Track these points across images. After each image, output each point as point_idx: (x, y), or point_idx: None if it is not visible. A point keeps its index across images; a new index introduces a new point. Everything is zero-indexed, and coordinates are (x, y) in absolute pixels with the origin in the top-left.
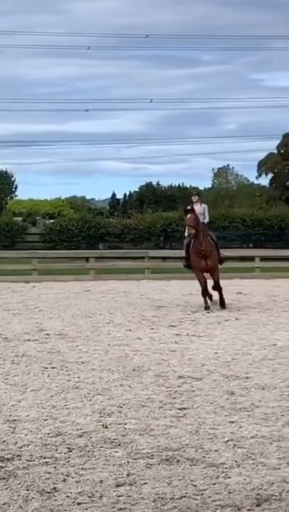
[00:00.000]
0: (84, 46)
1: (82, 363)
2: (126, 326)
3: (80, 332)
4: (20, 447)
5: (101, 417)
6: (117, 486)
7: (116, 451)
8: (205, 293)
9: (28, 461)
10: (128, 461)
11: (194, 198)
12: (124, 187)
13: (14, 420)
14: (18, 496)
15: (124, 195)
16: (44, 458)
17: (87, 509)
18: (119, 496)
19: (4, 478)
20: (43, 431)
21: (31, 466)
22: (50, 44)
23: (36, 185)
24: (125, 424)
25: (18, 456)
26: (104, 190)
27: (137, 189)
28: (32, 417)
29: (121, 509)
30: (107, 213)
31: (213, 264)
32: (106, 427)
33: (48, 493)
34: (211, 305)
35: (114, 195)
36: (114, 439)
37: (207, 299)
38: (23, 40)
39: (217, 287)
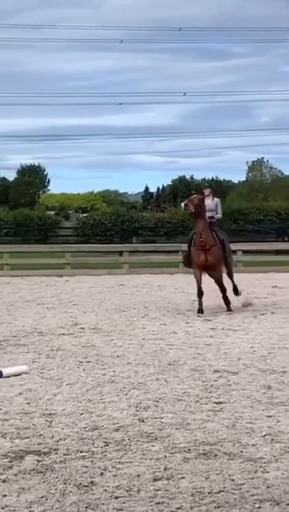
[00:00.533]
0: (116, 39)
1: (118, 357)
2: (161, 320)
3: (114, 326)
4: (57, 441)
5: (137, 411)
6: (155, 480)
7: (153, 445)
8: (200, 294)
9: (64, 454)
10: (165, 455)
11: (206, 191)
12: (157, 181)
13: (50, 414)
14: (56, 489)
15: (158, 188)
16: (81, 452)
17: (124, 503)
18: (157, 490)
19: (41, 472)
20: (80, 425)
21: (68, 459)
22: (82, 38)
23: (69, 179)
24: (162, 418)
25: (54, 449)
26: (137, 184)
27: (170, 183)
28: (68, 411)
29: (159, 503)
30: (140, 207)
31: (213, 261)
32: (142, 421)
33: (86, 486)
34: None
35: (147, 188)
36: (151, 433)
37: (202, 300)
38: (55, 33)
39: (221, 288)
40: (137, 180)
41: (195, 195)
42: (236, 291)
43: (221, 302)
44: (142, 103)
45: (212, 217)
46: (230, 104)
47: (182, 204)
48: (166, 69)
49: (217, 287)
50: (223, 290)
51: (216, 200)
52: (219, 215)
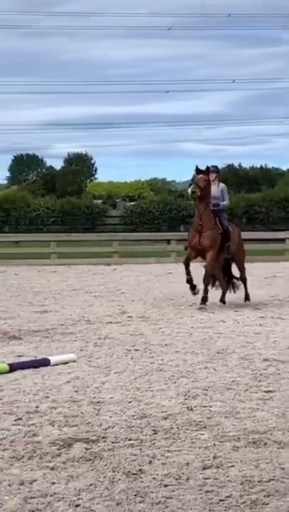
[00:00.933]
0: (164, 26)
1: (166, 345)
2: (209, 308)
3: (162, 314)
4: (105, 429)
5: (186, 399)
6: (204, 468)
7: (202, 434)
8: (187, 264)
9: (113, 442)
10: (214, 444)
11: (211, 176)
12: None
13: (98, 402)
14: (105, 477)
15: None
16: (129, 440)
17: (173, 491)
18: (206, 479)
19: (90, 460)
20: (128, 413)
21: (116, 447)
22: (130, 25)
23: (116, 168)
24: (210, 406)
25: (103, 437)
26: (184, 172)
27: None
28: (116, 399)
29: (208, 491)
30: (187, 195)
31: (207, 243)
32: (191, 410)
33: (134, 474)
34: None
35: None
36: (200, 422)
37: (190, 270)
38: (104, 21)
39: (206, 277)
40: (185, 168)
41: (201, 176)
42: (247, 296)
43: (270, 291)
44: (190, 90)
45: (217, 205)
46: (279, 91)
47: (189, 191)
48: (215, 56)
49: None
50: (207, 280)
51: (222, 185)
52: (226, 202)
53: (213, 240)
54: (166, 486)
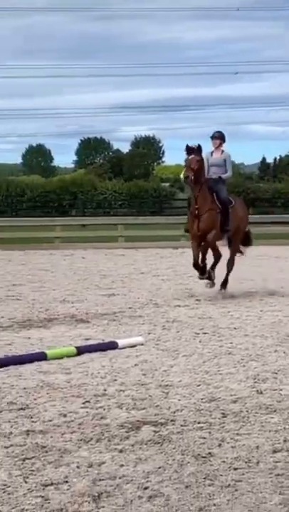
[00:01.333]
0: (233, 7)
1: (235, 328)
2: (278, 292)
3: (231, 298)
4: (174, 412)
5: (255, 382)
6: (274, 452)
7: (272, 417)
8: (197, 267)
9: (182, 426)
10: (285, 427)
11: (215, 143)
12: (275, 151)
13: (167, 385)
14: (174, 460)
15: (274, 159)
16: (198, 423)
17: (243, 474)
18: (277, 462)
19: (159, 443)
20: (197, 396)
21: (185, 430)
22: (198, 6)
23: (184, 151)
24: (280, 390)
25: (171, 420)
26: (253, 154)
27: (287, 153)
28: (185, 383)
29: (278, 475)
30: (256, 178)
31: (205, 227)
32: (261, 393)
33: (204, 457)
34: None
35: (264, 159)
36: (270, 405)
37: (210, 272)
38: (173, 3)
39: (214, 253)
40: (254, 150)
41: (192, 157)
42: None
43: None
44: (260, 72)
45: (219, 178)
46: None
47: (181, 176)
48: (285, 37)
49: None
50: (203, 263)
51: (226, 153)
52: (228, 174)
53: (211, 222)
54: (235, 469)
